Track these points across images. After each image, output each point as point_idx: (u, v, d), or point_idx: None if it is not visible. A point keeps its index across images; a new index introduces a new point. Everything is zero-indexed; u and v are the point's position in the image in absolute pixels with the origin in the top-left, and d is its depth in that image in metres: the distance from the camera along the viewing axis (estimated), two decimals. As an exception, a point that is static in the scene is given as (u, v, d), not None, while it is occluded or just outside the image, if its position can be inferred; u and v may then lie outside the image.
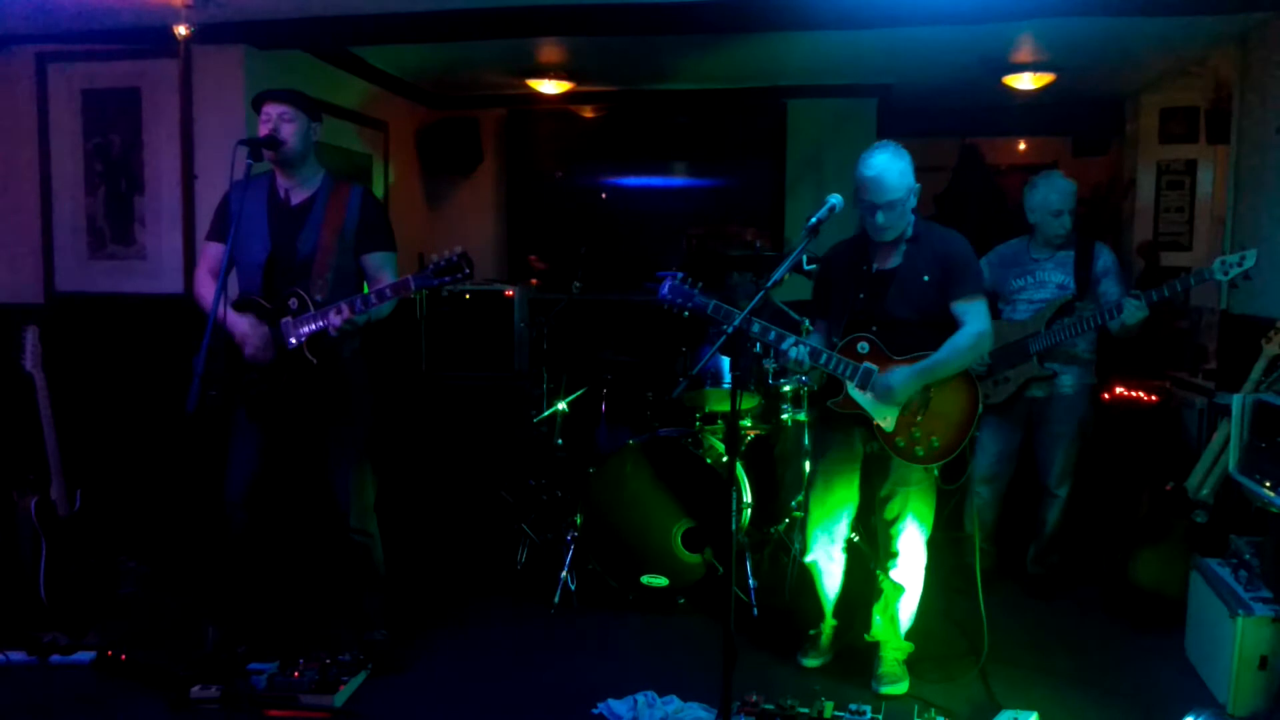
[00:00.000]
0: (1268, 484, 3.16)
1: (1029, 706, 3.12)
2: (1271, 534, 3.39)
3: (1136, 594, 3.99)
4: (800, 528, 3.65)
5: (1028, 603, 4.24)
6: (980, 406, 3.30)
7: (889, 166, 3.21)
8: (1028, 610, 4.16)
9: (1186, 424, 5.14)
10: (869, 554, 3.95)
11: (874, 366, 3.26)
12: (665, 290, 3.30)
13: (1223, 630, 3.26)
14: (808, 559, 3.58)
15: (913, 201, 3.29)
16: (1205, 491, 3.84)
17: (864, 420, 3.32)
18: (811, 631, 3.69)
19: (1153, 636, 3.82)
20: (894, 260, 3.34)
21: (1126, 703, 3.29)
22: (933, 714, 3.16)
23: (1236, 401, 3.45)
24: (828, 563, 3.55)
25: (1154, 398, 5.33)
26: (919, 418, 3.25)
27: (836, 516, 3.48)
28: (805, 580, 3.70)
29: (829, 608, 3.64)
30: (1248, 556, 3.48)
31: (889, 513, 3.41)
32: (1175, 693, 3.33)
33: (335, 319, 3.24)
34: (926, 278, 3.28)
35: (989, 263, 4.32)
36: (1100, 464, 4.78)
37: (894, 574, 3.43)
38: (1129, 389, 5.41)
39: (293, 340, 3.33)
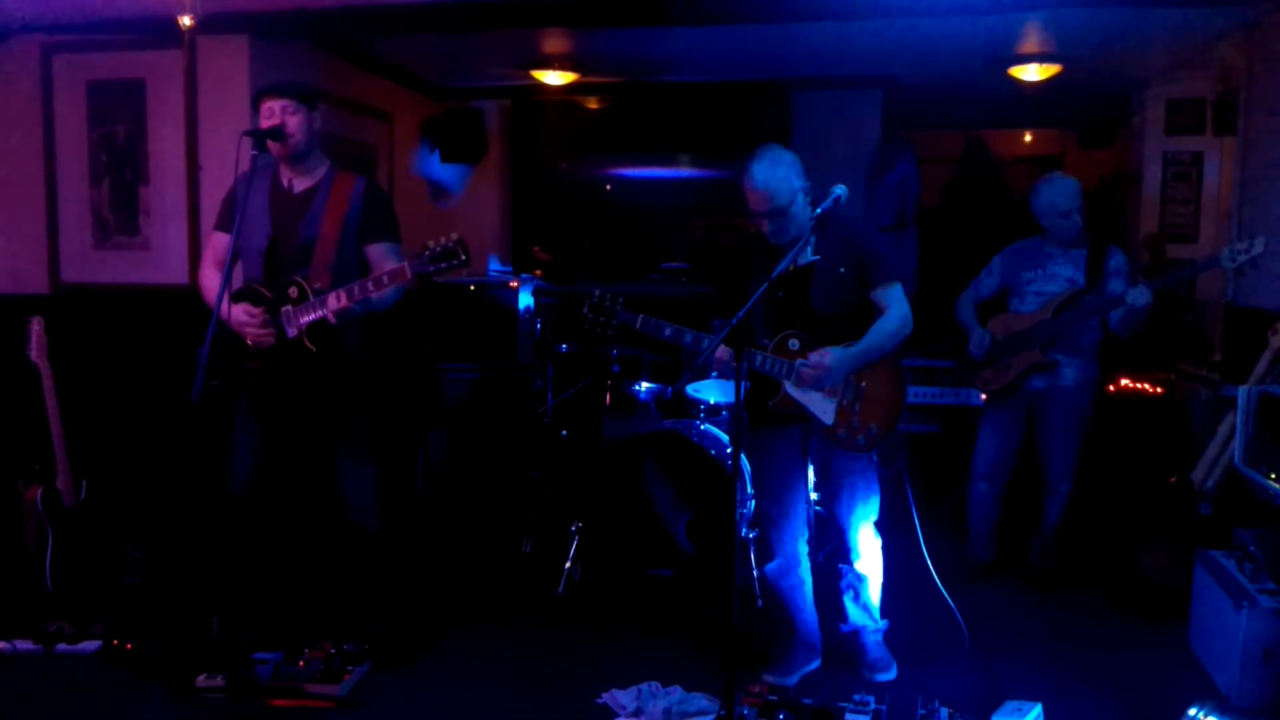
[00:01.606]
0: (1273, 476, 3.15)
1: (1033, 698, 3.12)
2: (1276, 526, 3.38)
3: (1140, 586, 3.98)
4: (769, 534, 3.53)
5: (1031, 595, 4.24)
6: (906, 388, 3.29)
7: (770, 175, 3.21)
8: (1031, 602, 4.16)
9: (1192, 416, 5.12)
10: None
11: (808, 362, 3.24)
12: (585, 309, 3.32)
13: (1227, 622, 3.26)
14: (771, 567, 3.46)
15: (800, 200, 3.23)
16: (1210, 484, 3.84)
17: (802, 418, 3.31)
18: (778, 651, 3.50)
19: (1156, 628, 3.83)
20: (807, 255, 3.30)
21: (1130, 694, 3.29)
22: (936, 705, 3.16)
23: (1242, 394, 3.43)
24: (786, 578, 3.45)
25: (1159, 390, 5.31)
26: (856, 407, 3.25)
27: (797, 521, 3.43)
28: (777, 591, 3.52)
29: (798, 624, 3.47)
30: (1252, 549, 3.47)
31: (837, 507, 3.41)
32: (1179, 685, 3.33)
33: (333, 304, 3.24)
34: (842, 269, 3.27)
35: (1002, 258, 4.32)
36: (1104, 456, 4.77)
37: (857, 565, 3.43)
38: (1134, 381, 5.39)
39: (292, 330, 3.33)
